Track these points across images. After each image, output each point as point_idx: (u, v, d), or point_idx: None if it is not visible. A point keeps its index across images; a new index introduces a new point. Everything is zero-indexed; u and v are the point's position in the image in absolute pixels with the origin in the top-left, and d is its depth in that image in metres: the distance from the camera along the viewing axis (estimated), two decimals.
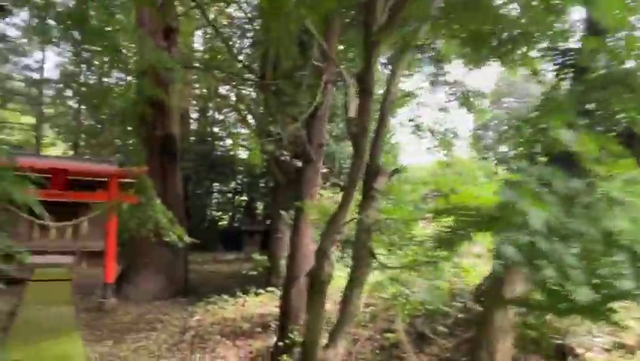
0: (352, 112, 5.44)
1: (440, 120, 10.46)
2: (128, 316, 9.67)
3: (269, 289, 10.86)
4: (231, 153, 24.76)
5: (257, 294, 10.68)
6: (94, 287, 12.65)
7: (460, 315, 5.28)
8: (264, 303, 10.05)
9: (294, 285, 6.48)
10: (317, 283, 4.14)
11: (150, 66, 11.81)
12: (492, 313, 3.82)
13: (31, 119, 23.99)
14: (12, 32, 21.93)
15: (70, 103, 25.49)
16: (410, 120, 10.48)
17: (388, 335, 6.12)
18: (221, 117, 27.31)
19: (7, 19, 18.92)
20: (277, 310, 9.55)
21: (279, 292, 10.86)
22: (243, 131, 26.00)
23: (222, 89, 27.63)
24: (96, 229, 17.44)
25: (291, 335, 6.34)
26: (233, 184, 25.48)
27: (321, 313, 4.26)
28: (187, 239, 7.99)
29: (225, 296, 10.59)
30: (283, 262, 11.26)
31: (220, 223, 25.38)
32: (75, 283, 13.63)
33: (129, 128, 23.11)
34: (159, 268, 11.77)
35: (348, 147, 11.01)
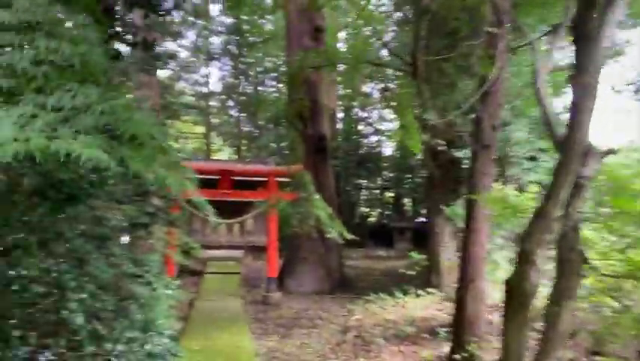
0: (541, 80, 4.34)
1: None
2: (290, 310, 9.75)
3: (429, 290, 10.01)
4: (377, 149, 24.36)
5: (417, 295, 9.92)
6: (258, 280, 13.29)
7: None
8: (426, 305, 9.23)
9: (470, 290, 5.56)
10: (519, 295, 3.24)
11: (300, 67, 11.97)
12: None
13: (201, 129, 26.83)
14: (182, 53, 24.83)
15: (232, 112, 27.91)
16: (629, 85, 8.33)
17: (598, 358, 4.83)
18: (365, 115, 27.17)
19: (177, 41, 21.36)
20: (441, 313, 8.67)
21: (440, 294, 9.94)
22: (389, 126, 25.44)
23: (366, 88, 27.52)
24: (259, 225, 18.63)
25: (468, 348, 5.45)
26: (379, 180, 25.06)
27: (525, 332, 3.33)
28: (347, 235, 7.63)
29: (383, 295, 10.06)
30: (444, 262, 10.31)
31: (369, 220, 25.17)
32: (242, 276, 14.53)
33: (283, 131, 24.36)
34: (316, 264, 11.78)
35: (516, 132, 9.54)
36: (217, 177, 10.74)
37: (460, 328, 5.64)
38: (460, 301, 5.72)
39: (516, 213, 4.69)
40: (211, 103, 27.18)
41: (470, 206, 5.63)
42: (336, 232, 7.27)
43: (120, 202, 5.06)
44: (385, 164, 24.12)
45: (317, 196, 6.99)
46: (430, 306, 9.23)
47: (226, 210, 17.41)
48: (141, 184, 5.61)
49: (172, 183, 1.31)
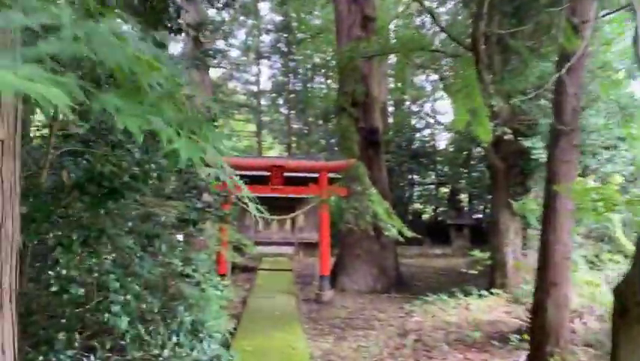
0: None
1: None
2: (344, 310, 9.29)
3: (493, 290, 9.23)
4: (431, 143, 23.38)
5: (480, 296, 9.17)
6: (310, 277, 12.96)
7: None
8: (492, 308, 8.48)
9: (551, 294, 4.84)
10: (636, 305, 2.59)
11: (350, 57, 11.49)
12: None
13: (252, 127, 26.98)
14: (233, 53, 25.00)
15: (282, 110, 27.86)
16: None
17: None
18: (416, 108, 26.26)
19: (228, 40, 21.45)
20: (510, 317, 7.92)
21: (506, 295, 9.15)
22: (442, 119, 24.40)
23: (417, 80, 26.53)
24: (310, 222, 18.34)
25: (550, 360, 4.75)
26: (433, 175, 24.05)
27: None
28: (408, 232, 7.02)
29: (443, 296, 9.40)
30: (510, 260, 9.48)
31: (423, 216, 24.21)
32: (294, 272, 14.27)
33: (332, 127, 23.99)
34: (370, 261, 11.25)
35: (592, 118, 8.53)
36: (268, 174, 10.45)
37: (539, 336, 4.94)
38: (539, 306, 5.01)
39: (611, 207, 3.97)
40: (262, 101, 27.27)
41: (550, 199, 4.90)
42: (394, 229, 6.69)
43: (170, 198, 4.82)
44: (439, 158, 23.07)
45: (373, 190, 6.44)
46: (496, 308, 8.47)
47: (278, 206, 17.25)
48: (190, 179, 5.36)
49: (182, 149, 0.90)
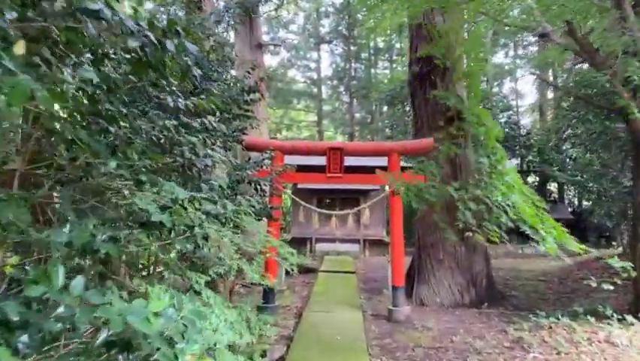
0: None
1: None
2: (427, 333, 6.83)
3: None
4: (515, 123, 19.90)
5: (621, 321, 6.32)
6: (378, 283, 10.65)
7: None
8: None
9: None
10: None
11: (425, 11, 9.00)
12: None
13: (313, 117, 24.91)
14: (293, 39, 23.03)
15: (344, 98, 25.55)
16: None
17: None
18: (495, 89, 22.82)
19: (289, 27, 19.52)
20: None
21: None
22: (526, 102, 20.80)
23: (496, 59, 22.96)
24: (377, 217, 15.92)
25: None
26: (516, 162, 20.50)
27: None
28: (574, 244, 4.36)
29: (562, 317, 6.68)
30: None
31: None
32: (359, 276, 12.01)
33: (397, 113, 21.35)
34: (456, 267, 8.65)
35: None
36: (324, 164, 8.12)
37: None
38: None
39: None
40: (322, 89, 25.14)
41: None
42: (551, 238, 4.08)
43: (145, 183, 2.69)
44: (526, 142, 19.49)
45: (512, 162, 3.85)
46: None
47: (340, 199, 14.70)
48: (184, 152, 3.21)
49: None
